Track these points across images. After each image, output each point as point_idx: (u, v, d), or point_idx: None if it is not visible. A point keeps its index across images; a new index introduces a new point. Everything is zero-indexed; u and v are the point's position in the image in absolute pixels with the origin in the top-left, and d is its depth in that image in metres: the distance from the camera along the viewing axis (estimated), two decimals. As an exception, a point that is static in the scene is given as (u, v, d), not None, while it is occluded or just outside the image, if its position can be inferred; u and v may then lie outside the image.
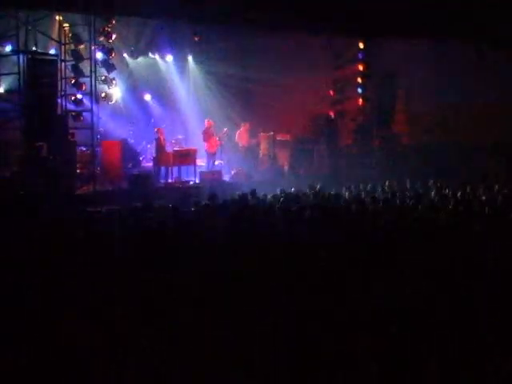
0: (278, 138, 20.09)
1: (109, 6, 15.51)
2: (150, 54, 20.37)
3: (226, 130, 19.57)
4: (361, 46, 19.84)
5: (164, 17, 17.30)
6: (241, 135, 19.73)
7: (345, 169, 19.31)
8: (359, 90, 20.22)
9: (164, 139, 18.14)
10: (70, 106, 16.50)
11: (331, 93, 20.53)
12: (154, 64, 20.72)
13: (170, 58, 20.57)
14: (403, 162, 18.96)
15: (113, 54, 17.30)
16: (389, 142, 20.09)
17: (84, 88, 16.39)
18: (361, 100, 20.22)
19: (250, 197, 12.12)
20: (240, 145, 19.67)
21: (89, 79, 16.29)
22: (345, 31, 19.10)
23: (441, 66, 19.29)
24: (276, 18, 17.20)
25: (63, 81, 16.10)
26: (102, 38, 16.83)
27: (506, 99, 18.62)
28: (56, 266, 6.57)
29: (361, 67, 19.94)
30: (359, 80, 20.12)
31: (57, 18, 16.49)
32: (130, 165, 18.31)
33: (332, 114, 20.79)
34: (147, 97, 20.84)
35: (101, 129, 17.76)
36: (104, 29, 16.73)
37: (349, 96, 20.74)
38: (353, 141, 20.61)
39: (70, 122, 16.28)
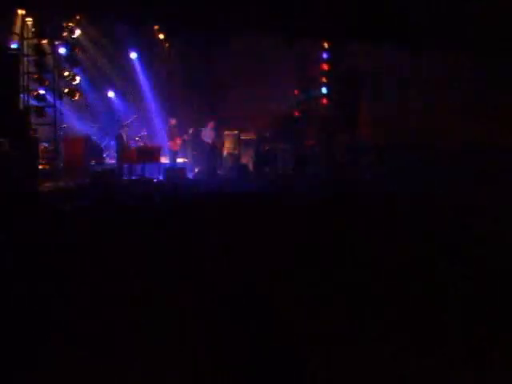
0: (242, 137, 20.15)
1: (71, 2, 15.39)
2: (114, 51, 20.20)
3: (191, 130, 19.58)
4: (325, 45, 19.96)
5: (127, 17, 17.22)
6: (206, 133, 19.74)
7: (309, 168, 19.40)
8: (323, 90, 20.35)
9: (127, 136, 18.03)
10: (33, 102, 16.30)
11: (296, 92, 20.60)
12: (119, 60, 20.55)
13: (134, 54, 20.44)
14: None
15: (76, 50, 17.15)
16: (352, 141, 20.25)
17: (47, 83, 16.20)
18: (325, 100, 20.34)
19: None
20: (205, 143, 19.68)
21: (52, 75, 16.10)
22: (309, 33, 19.18)
23: (403, 67, 19.54)
24: (240, 18, 17.22)
25: (25, 76, 15.90)
26: (65, 34, 16.66)
27: (467, 101, 18.97)
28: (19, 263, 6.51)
29: (325, 67, 20.06)
30: (323, 80, 20.25)
31: (19, 12, 16.26)
32: (93, 161, 18.16)
33: (296, 114, 20.88)
34: (111, 93, 20.68)
35: (64, 125, 17.58)
36: (68, 24, 16.57)
37: (313, 96, 20.85)
38: (317, 140, 20.71)
39: (33, 118, 16.08)
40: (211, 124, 19.79)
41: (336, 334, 4.71)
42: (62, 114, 16.87)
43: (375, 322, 4.94)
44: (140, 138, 19.44)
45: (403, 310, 5.25)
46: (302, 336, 4.68)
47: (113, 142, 19.23)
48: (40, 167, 16.28)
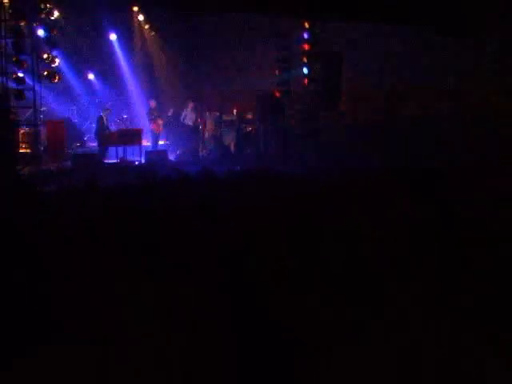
0: (224, 118, 20.12)
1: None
2: (94, 32, 20.05)
3: (171, 110, 19.50)
4: (306, 25, 19.89)
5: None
6: (187, 115, 19.68)
7: (290, 149, 19.45)
8: (305, 70, 20.31)
9: (106, 119, 17.95)
10: (11, 85, 16.12)
11: (277, 72, 20.55)
12: (98, 42, 20.40)
13: (113, 36, 20.28)
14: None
15: (55, 32, 16.97)
16: (333, 123, 20.28)
17: (25, 66, 16.03)
18: (306, 80, 20.30)
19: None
20: (186, 124, 19.63)
21: (30, 57, 15.95)
22: (290, 12, 19.11)
23: (385, 47, 19.59)
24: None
25: (3, 58, 15.72)
26: (43, 15, 16.47)
27: (444, 83, 19.12)
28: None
29: (306, 47, 20.00)
30: (304, 60, 20.19)
31: (-4, -7, 16.06)
32: (74, 144, 18.07)
33: (277, 94, 20.85)
34: (91, 75, 20.54)
35: (43, 108, 17.44)
36: (46, 5, 16.37)
37: (294, 76, 20.81)
38: (298, 121, 20.72)
39: (12, 101, 15.92)
40: (191, 105, 19.71)
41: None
42: (41, 97, 16.71)
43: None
44: (121, 120, 19.36)
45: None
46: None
47: (93, 125, 19.13)
48: (20, 151, 16.19)
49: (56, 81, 17.69)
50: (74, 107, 19.51)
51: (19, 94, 16.05)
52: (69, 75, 19.64)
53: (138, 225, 6.53)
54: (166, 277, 5.07)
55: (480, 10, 17.13)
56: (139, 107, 20.39)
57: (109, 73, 20.85)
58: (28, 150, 16.50)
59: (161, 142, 19.49)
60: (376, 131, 18.63)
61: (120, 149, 17.73)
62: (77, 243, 6.16)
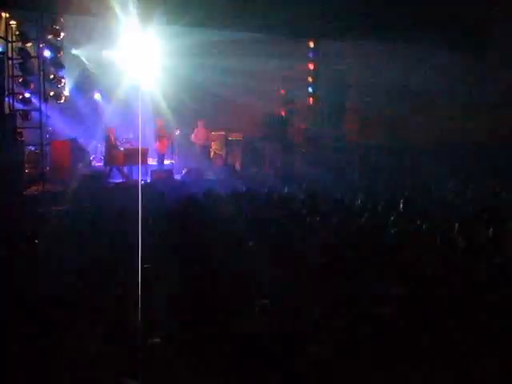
0: (229, 138, 20.14)
1: (55, 3, 15.27)
2: (100, 53, 20.14)
3: (178, 131, 19.52)
4: (311, 45, 19.97)
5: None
6: (197, 133, 19.69)
7: (296, 168, 19.43)
8: (309, 89, 20.36)
9: (115, 138, 17.99)
10: (18, 105, 16.19)
11: (282, 92, 20.60)
12: (104, 62, 20.47)
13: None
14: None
15: (61, 53, 17.08)
16: (338, 142, 20.27)
17: (32, 87, 16.11)
18: (311, 99, 20.35)
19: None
20: (195, 143, 19.63)
21: (37, 78, 16.03)
22: (295, 32, 19.18)
23: (390, 67, 19.62)
24: (227, 17, 17.21)
25: (10, 79, 15.81)
26: (50, 36, 16.58)
27: (453, 102, 19.13)
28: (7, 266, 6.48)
29: (311, 66, 20.06)
30: (309, 79, 20.25)
31: (3, 14, 16.15)
32: (80, 164, 18.08)
33: (283, 113, 20.89)
34: (97, 96, 20.60)
35: (50, 128, 17.51)
36: (52, 26, 16.49)
37: (299, 95, 20.86)
38: (303, 140, 20.73)
39: (18, 122, 15.96)
40: (201, 123, 19.74)
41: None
42: (48, 117, 16.78)
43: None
44: (127, 140, 19.38)
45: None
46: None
47: (99, 145, 19.16)
48: (26, 171, 16.21)
49: (62, 101, 17.75)
50: (80, 127, 19.54)
51: (25, 115, 16.14)
52: (75, 95, 19.70)
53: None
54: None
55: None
56: (146, 126, 20.39)
57: (115, 92, 20.88)
58: (33, 170, 16.52)
59: (167, 162, 19.49)
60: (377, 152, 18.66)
61: (126, 168, 17.73)
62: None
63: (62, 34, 16.94)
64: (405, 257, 7.12)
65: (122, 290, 5.91)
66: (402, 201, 11.12)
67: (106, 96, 20.69)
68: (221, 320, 5.37)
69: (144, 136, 20.13)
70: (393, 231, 8.62)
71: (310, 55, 20.08)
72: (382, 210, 10.42)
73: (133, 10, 12.30)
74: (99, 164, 18.69)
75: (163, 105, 20.40)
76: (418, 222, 9.23)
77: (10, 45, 15.95)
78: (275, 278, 6.20)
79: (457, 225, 8.70)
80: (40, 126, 15.88)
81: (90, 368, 4.72)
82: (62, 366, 4.72)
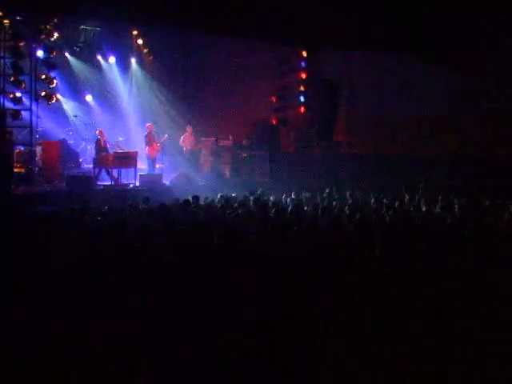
0: (219, 143, 20.15)
1: (48, 4, 15.31)
2: (92, 55, 20.15)
3: (166, 136, 19.50)
4: (304, 54, 20.07)
5: (103, 17, 17.20)
6: (185, 139, 19.69)
7: (285, 176, 19.46)
8: (301, 98, 20.43)
9: (105, 141, 17.96)
10: (9, 104, 16.15)
11: (274, 100, 20.67)
12: (96, 64, 20.48)
13: (112, 59, 20.39)
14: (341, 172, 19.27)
15: (54, 53, 17.06)
16: (329, 151, 20.33)
17: (23, 86, 16.08)
18: (303, 108, 20.42)
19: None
20: (184, 148, 19.62)
21: (29, 77, 16.01)
22: (288, 41, 19.28)
23: (380, 78, 19.76)
24: (221, 23, 17.29)
25: (2, 78, 15.77)
26: (43, 36, 16.57)
27: (440, 114, 19.30)
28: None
29: (303, 75, 20.14)
30: (301, 88, 20.33)
31: (-4, 13, 16.14)
32: (69, 165, 18.04)
33: (274, 121, 20.94)
34: (88, 97, 20.58)
35: (40, 128, 17.47)
36: (45, 27, 16.48)
37: (291, 104, 20.93)
38: (294, 148, 20.78)
39: (8, 121, 15.92)
40: (189, 129, 19.74)
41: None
42: (38, 117, 16.74)
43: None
44: (117, 143, 19.34)
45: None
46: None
47: (89, 147, 19.11)
48: (15, 170, 16.14)
49: (53, 102, 17.70)
50: (70, 128, 19.51)
51: (16, 114, 16.08)
52: (66, 96, 19.67)
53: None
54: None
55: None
56: (136, 130, 20.38)
57: (106, 94, 20.90)
58: (22, 170, 16.46)
59: (157, 166, 19.46)
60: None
61: (115, 171, 17.70)
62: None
63: (56, 35, 16.94)
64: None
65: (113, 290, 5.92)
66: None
67: (98, 98, 20.69)
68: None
69: (134, 140, 20.12)
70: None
71: (303, 64, 20.16)
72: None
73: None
74: (88, 166, 18.63)
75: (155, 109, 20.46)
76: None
77: (2, 44, 15.92)
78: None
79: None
80: (30, 126, 15.84)
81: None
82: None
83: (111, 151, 18.11)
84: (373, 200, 13.11)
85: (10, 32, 15.94)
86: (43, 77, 16.83)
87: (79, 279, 6.21)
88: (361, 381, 4.68)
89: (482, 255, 7.16)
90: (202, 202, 12.39)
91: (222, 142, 20.23)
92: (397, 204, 12.35)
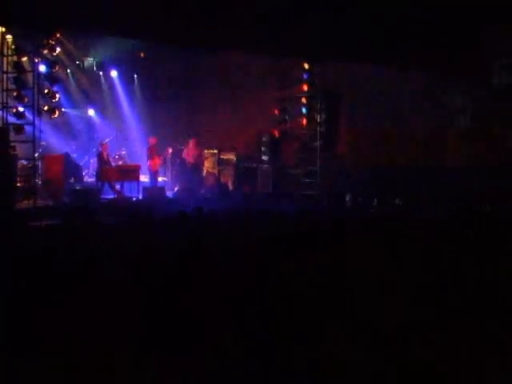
0: (222, 156, 20.16)
1: (50, 20, 15.35)
2: (95, 69, 20.23)
3: (170, 150, 19.54)
4: (306, 66, 20.07)
5: (108, 33, 17.26)
6: (188, 151, 19.70)
7: (288, 188, 19.45)
8: (303, 110, 20.41)
9: (107, 154, 18.00)
10: (12, 119, 16.16)
11: (276, 112, 20.66)
12: (99, 78, 20.56)
13: (114, 73, 20.46)
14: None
15: (56, 68, 17.10)
16: (332, 163, 20.28)
17: (26, 101, 16.10)
18: (305, 120, 20.40)
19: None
20: (187, 161, 19.65)
21: (31, 92, 16.04)
22: (290, 53, 19.30)
23: (383, 91, 19.81)
24: (223, 36, 17.32)
25: (4, 93, 15.80)
26: (45, 51, 16.62)
27: (442, 126, 19.39)
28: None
29: (305, 87, 20.13)
30: (304, 100, 20.31)
31: (-1, 28, 16.21)
32: (72, 179, 18.06)
33: (276, 134, 20.93)
34: (91, 111, 20.64)
35: (43, 142, 17.49)
36: (48, 41, 16.53)
37: (293, 116, 20.92)
38: (296, 161, 20.75)
39: (11, 135, 15.93)
40: (193, 141, 19.76)
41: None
42: (41, 131, 16.76)
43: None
44: (119, 156, 19.38)
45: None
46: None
47: (92, 160, 19.16)
48: (18, 185, 16.15)
49: (56, 116, 17.74)
50: (73, 142, 19.55)
51: (19, 128, 16.09)
52: (69, 110, 19.73)
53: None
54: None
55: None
56: (138, 143, 20.45)
57: (109, 109, 20.97)
58: (25, 184, 16.46)
59: (160, 179, 19.50)
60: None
61: (118, 184, 17.74)
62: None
63: (58, 49, 17.01)
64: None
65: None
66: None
67: (100, 112, 20.76)
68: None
69: (136, 153, 20.17)
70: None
71: (305, 76, 20.15)
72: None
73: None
74: (91, 179, 18.66)
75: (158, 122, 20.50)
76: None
77: (5, 58, 15.96)
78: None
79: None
80: (33, 140, 15.85)
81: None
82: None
83: (114, 164, 18.15)
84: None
85: (13, 47, 15.99)
86: (46, 91, 16.85)
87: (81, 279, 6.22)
88: (361, 380, 4.62)
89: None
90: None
91: (225, 155, 20.25)
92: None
